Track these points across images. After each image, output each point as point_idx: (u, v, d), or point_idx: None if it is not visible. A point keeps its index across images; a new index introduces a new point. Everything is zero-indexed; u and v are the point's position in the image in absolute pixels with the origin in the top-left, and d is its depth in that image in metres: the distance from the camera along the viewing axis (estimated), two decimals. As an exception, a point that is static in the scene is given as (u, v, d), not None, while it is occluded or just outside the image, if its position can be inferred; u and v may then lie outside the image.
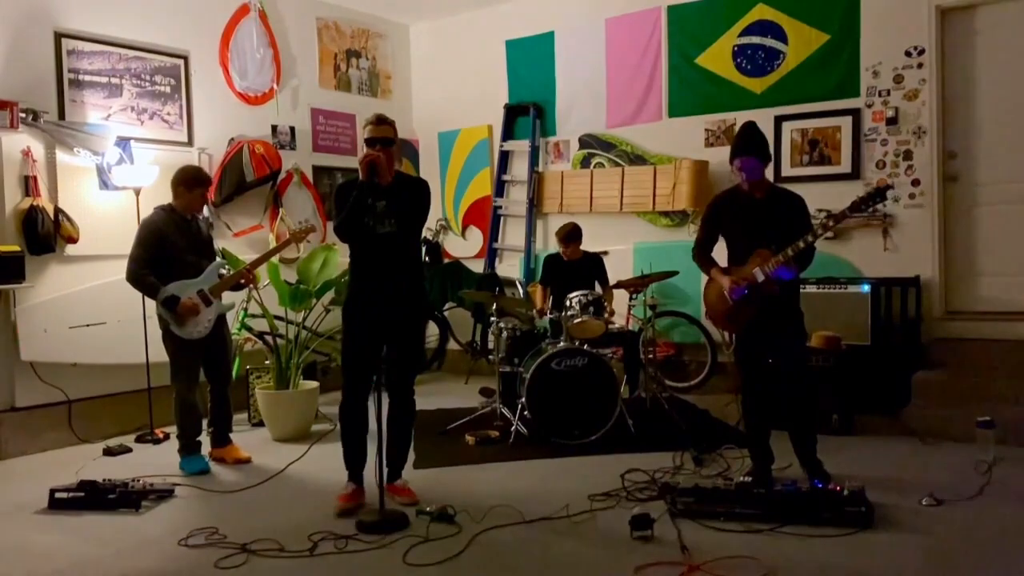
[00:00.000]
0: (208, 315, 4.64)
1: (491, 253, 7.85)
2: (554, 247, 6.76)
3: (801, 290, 4.18)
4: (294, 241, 5.11)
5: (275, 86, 6.92)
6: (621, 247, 6.97)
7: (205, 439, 4.88)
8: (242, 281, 4.85)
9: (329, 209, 7.16)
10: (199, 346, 4.67)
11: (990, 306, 5.65)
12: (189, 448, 4.71)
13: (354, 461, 4.03)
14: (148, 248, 4.57)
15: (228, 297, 4.88)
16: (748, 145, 3.95)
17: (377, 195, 3.79)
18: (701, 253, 4.19)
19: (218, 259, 4.93)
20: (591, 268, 5.91)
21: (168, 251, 4.59)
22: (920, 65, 5.75)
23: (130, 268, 4.58)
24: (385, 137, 3.83)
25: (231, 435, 4.97)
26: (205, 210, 5.36)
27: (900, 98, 5.83)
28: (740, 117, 6.43)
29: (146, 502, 4.07)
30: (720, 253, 4.22)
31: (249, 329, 5.87)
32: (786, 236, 3.83)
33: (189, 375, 4.70)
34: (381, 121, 3.88)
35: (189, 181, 4.67)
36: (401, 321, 3.90)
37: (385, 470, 3.81)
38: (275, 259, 5.80)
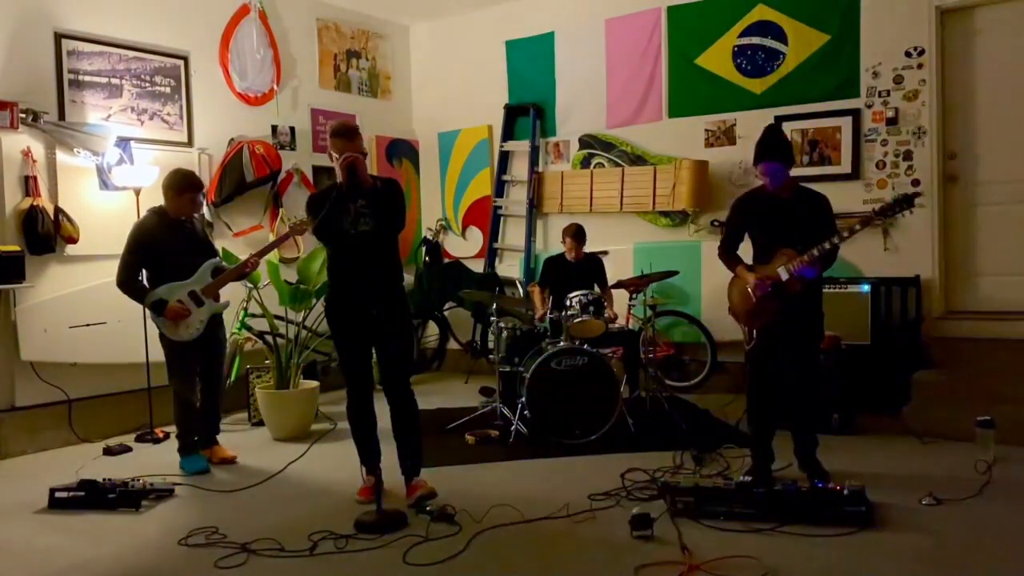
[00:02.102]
0: (200, 316, 4.60)
1: (491, 253, 7.85)
2: (554, 248, 6.77)
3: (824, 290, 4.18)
4: (293, 234, 5.09)
5: (275, 87, 6.92)
6: (621, 247, 6.97)
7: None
8: (247, 270, 4.79)
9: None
10: (195, 346, 4.65)
11: (990, 306, 5.65)
12: (188, 448, 4.70)
13: (368, 456, 4.05)
14: (137, 252, 4.56)
15: (225, 296, 4.86)
16: (771, 150, 3.97)
17: (356, 196, 3.83)
18: (727, 251, 4.20)
19: (213, 258, 4.84)
20: (591, 270, 5.91)
21: (159, 254, 4.57)
22: (920, 65, 5.75)
23: (118, 274, 4.57)
24: (359, 151, 3.87)
25: (218, 436, 4.97)
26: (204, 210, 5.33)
27: (900, 98, 5.83)
28: (740, 117, 6.44)
29: (146, 502, 4.07)
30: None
31: (249, 329, 5.87)
32: (811, 235, 3.85)
33: (186, 375, 4.69)
34: (350, 135, 3.87)
35: (177, 186, 4.62)
36: (384, 320, 3.90)
37: (383, 469, 3.82)
38: (275, 259, 5.81)
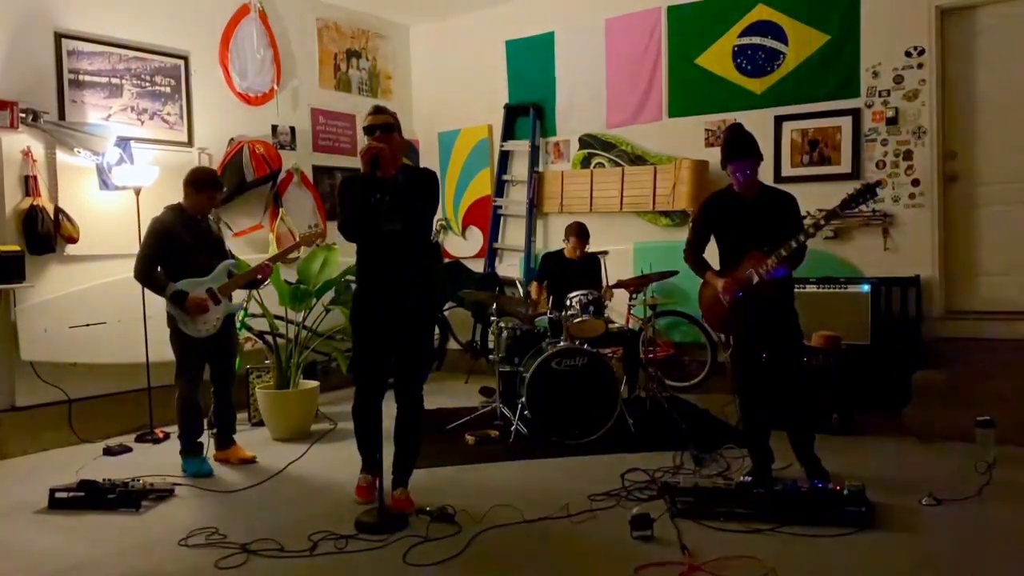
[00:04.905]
0: (216, 313, 4.61)
1: (491, 253, 7.86)
2: (555, 246, 6.78)
3: (801, 290, 4.18)
4: (304, 244, 5.07)
5: (275, 86, 6.92)
6: (621, 247, 6.98)
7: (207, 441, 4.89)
8: (259, 276, 4.79)
9: (331, 208, 7.16)
10: (205, 346, 4.65)
11: (990, 306, 5.65)
12: (191, 450, 4.69)
13: (367, 456, 3.97)
14: (155, 245, 4.58)
15: (237, 296, 4.87)
16: (741, 148, 3.94)
17: (382, 190, 3.61)
18: (693, 255, 4.19)
19: (229, 260, 4.83)
20: (590, 268, 5.92)
21: (177, 249, 4.59)
22: (920, 65, 5.75)
23: (137, 266, 4.59)
24: (384, 123, 3.70)
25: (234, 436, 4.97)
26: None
27: (900, 98, 5.83)
28: (740, 117, 6.41)
29: (146, 502, 4.07)
30: (710, 255, 4.23)
31: (249, 329, 5.87)
32: (778, 236, 3.84)
33: (193, 375, 4.68)
34: (379, 111, 3.77)
35: (196, 183, 4.66)
36: (406, 325, 3.76)
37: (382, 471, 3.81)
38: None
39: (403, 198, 3.69)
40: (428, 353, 4.10)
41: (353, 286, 4.22)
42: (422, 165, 8.25)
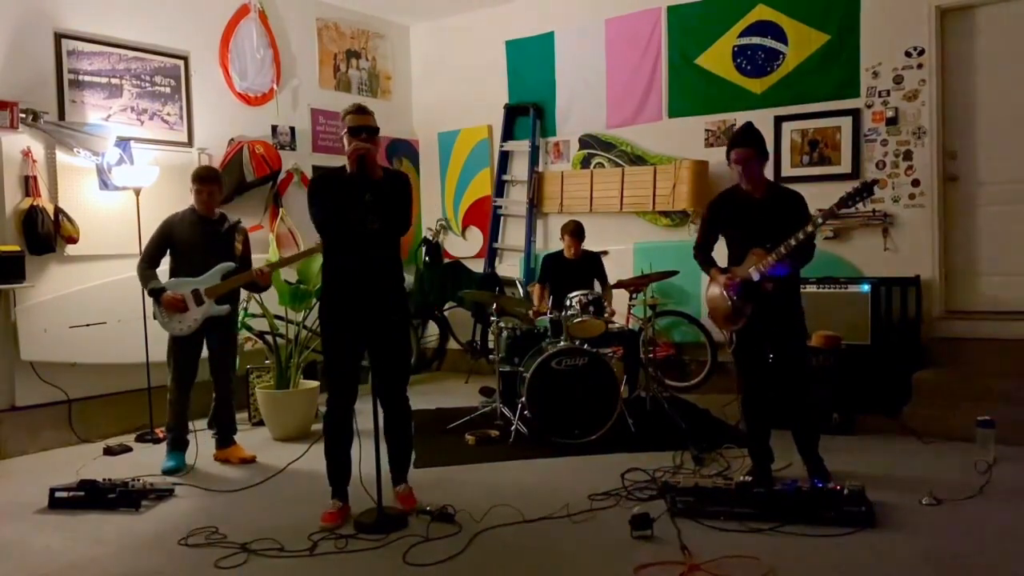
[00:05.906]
0: (195, 315, 4.60)
1: (491, 253, 7.86)
2: (554, 246, 6.78)
3: (801, 290, 4.17)
4: (319, 252, 5.05)
5: (275, 87, 6.92)
6: (621, 247, 6.97)
7: (208, 441, 4.90)
8: (256, 279, 4.74)
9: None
10: (196, 345, 4.69)
11: (990, 306, 5.64)
12: (170, 444, 4.75)
13: (338, 478, 3.82)
14: (154, 240, 4.69)
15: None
16: (744, 139, 3.97)
17: (366, 190, 3.61)
18: (701, 253, 4.20)
19: (228, 263, 4.76)
20: (590, 267, 5.92)
21: (178, 246, 4.65)
22: (920, 65, 5.75)
23: (139, 261, 4.71)
24: (369, 126, 3.69)
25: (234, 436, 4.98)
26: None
27: (900, 98, 5.83)
28: (740, 117, 6.43)
29: (146, 502, 4.07)
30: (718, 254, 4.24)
31: (249, 329, 5.87)
32: (785, 234, 3.84)
33: (180, 372, 4.71)
34: (363, 110, 3.74)
35: (191, 178, 4.75)
36: (382, 325, 3.71)
37: (384, 473, 3.80)
38: (274, 259, 5.80)
39: (385, 199, 3.69)
40: (407, 355, 4.08)
41: None
42: (422, 165, 8.29)
